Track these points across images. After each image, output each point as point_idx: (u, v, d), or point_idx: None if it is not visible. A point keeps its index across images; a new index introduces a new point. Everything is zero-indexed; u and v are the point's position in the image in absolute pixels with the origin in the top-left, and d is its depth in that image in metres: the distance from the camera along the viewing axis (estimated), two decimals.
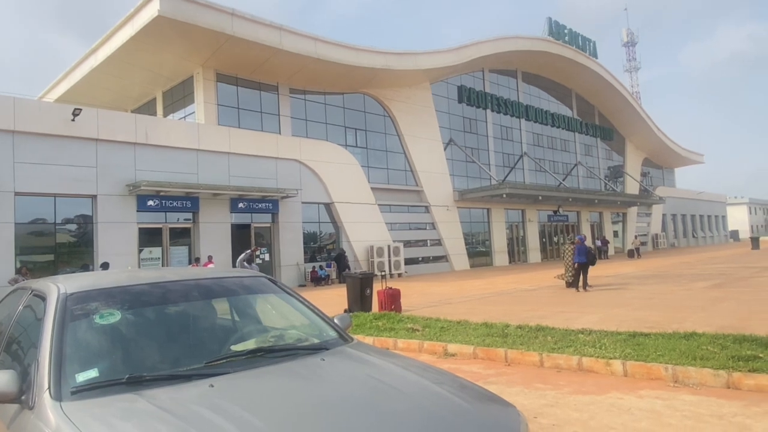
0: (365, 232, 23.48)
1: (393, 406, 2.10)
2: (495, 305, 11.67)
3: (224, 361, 2.46)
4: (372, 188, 24.34)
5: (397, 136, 26.81)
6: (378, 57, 23.80)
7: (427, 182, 27.30)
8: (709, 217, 59.64)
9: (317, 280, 20.89)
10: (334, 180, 22.39)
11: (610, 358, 5.55)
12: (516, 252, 33.36)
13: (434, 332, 7.82)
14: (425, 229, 27.52)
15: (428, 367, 2.65)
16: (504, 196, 29.02)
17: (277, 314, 3.42)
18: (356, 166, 23.78)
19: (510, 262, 31.94)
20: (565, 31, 35.37)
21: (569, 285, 14.40)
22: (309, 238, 22.55)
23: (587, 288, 13.84)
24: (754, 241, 36.72)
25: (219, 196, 18.57)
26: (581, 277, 13.89)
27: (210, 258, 17.13)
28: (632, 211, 44.48)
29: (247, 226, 19.99)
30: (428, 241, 27.62)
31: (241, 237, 19.62)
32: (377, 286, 11.20)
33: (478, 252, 30.89)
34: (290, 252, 20.90)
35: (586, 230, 39.16)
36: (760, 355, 5.22)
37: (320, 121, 23.80)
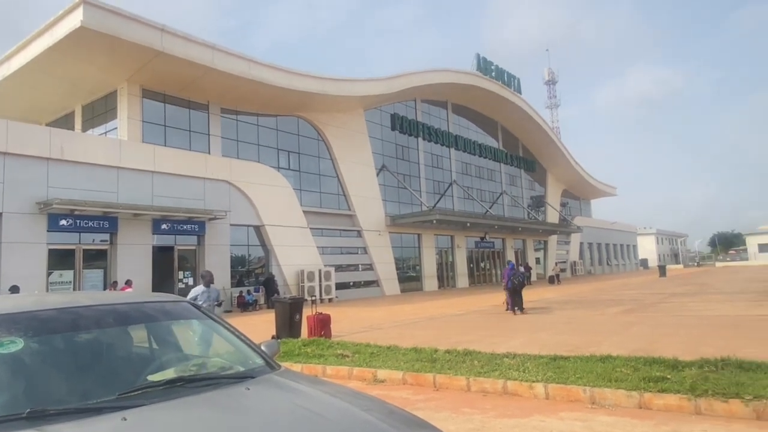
0: (296, 256, 23.10)
1: None
2: (425, 330, 11.78)
3: (140, 392, 2.29)
4: (304, 211, 24.10)
5: (330, 160, 26.84)
6: (314, 82, 23.89)
7: (360, 207, 27.43)
8: (621, 246, 63.97)
9: (244, 305, 20.19)
10: (265, 202, 21.97)
11: (533, 381, 5.74)
12: (445, 277, 34.06)
13: (364, 358, 7.75)
14: (357, 253, 27.51)
15: (357, 394, 2.61)
16: (434, 221, 29.70)
17: (200, 341, 3.26)
18: (288, 189, 23.49)
19: (439, 287, 32.53)
20: (492, 67, 37.29)
21: (509, 308, 15.11)
22: (237, 262, 21.84)
23: (522, 311, 14.65)
24: (662, 269, 39.75)
25: (140, 217, 17.63)
26: (513, 300, 14.78)
27: (128, 282, 16.09)
28: (553, 239, 46.86)
29: (170, 249, 19.06)
30: (360, 265, 27.60)
31: (163, 260, 18.67)
32: (307, 312, 11.00)
33: (409, 277, 31.24)
34: (216, 276, 19.98)
35: (510, 256, 40.70)
36: (668, 376, 5.58)
37: (252, 142, 23.39)
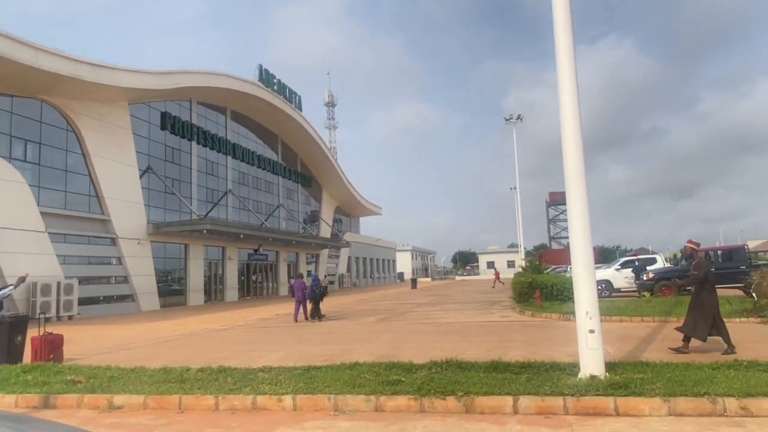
0: (27, 265, 19.17)
1: None
2: (181, 348, 10.99)
3: None
4: (42, 213, 20.37)
5: (81, 155, 23.30)
6: (66, 63, 20.50)
7: (117, 211, 24.36)
8: (384, 260, 70.33)
9: None
10: None
11: (282, 394, 5.81)
12: (213, 291, 32.47)
13: (100, 383, 6.82)
14: (110, 263, 24.35)
15: (57, 427, 2.23)
16: (204, 231, 28.16)
17: None
18: (21, 184, 19.59)
19: (206, 301, 30.83)
20: (275, 80, 37.51)
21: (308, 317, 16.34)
22: None
23: (315, 319, 16.07)
24: (413, 282, 44.95)
25: None
26: (315, 309, 16.18)
27: None
28: (324, 253, 48.95)
29: None
30: (113, 278, 24.46)
31: None
32: (34, 332, 9.23)
33: (172, 290, 28.89)
34: None
35: (283, 269, 41.11)
36: (403, 378, 6.24)
37: None
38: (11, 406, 6.33)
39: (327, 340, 11.31)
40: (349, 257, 56.07)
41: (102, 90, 22.89)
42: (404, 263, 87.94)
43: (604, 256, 69.93)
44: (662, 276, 18.82)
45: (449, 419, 5.15)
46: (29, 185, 20.08)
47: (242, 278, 35.96)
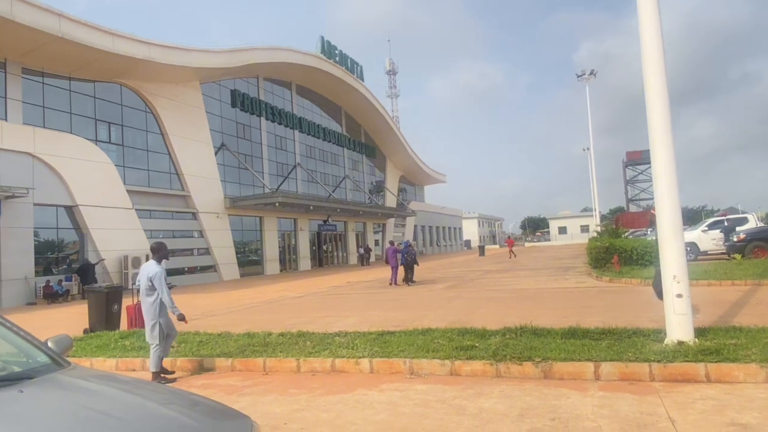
0: (118, 240, 20.87)
1: None
2: (262, 314, 11.55)
3: None
4: (129, 191, 21.85)
5: (161, 135, 24.63)
6: (140, 46, 21.54)
7: (196, 187, 25.70)
8: (450, 228, 69.87)
9: (53, 296, 17.70)
10: (78, 179, 19.41)
11: (359, 357, 5.98)
12: (288, 260, 33.78)
13: (191, 347, 7.32)
14: (192, 237, 25.85)
15: (158, 387, 2.42)
16: (277, 204, 29.15)
17: None
18: (108, 165, 21.05)
19: (281, 271, 32.16)
20: (336, 51, 37.52)
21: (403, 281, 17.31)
22: (44, 248, 19.06)
23: (413, 283, 17.18)
24: (481, 249, 44.36)
25: None
26: (407, 274, 17.33)
27: None
28: (390, 223, 49.33)
29: None
30: (195, 250, 25.99)
31: None
32: (128, 301, 10.01)
33: (250, 261, 30.32)
34: (17, 263, 17.32)
35: (351, 239, 41.94)
36: (477, 344, 6.22)
37: (63, 109, 20.37)
38: (113, 369, 6.91)
39: (398, 307, 11.47)
40: (415, 226, 56.17)
41: (174, 71, 23.92)
42: (471, 231, 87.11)
43: (688, 217, 65.54)
44: (755, 236, 17.43)
45: (527, 384, 5.08)
46: (116, 165, 21.53)
47: (314, 248, 37.09)
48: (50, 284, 17.93)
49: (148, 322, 6.13)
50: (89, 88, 21.48)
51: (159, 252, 6.40)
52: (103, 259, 19.94)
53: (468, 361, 5.61)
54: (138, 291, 6.17)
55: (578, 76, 39.57)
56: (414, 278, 17.63)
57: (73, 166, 19.25)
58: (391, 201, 50.55)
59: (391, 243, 19.29)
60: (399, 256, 17.43)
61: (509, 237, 46.29)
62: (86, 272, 18.47)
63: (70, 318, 12.17)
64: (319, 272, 30.96)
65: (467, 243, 79.51)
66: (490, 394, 4.82)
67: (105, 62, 20.62)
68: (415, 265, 17.91)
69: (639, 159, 68.14)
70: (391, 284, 17.21)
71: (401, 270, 17.48)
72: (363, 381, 5.50)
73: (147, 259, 21.43)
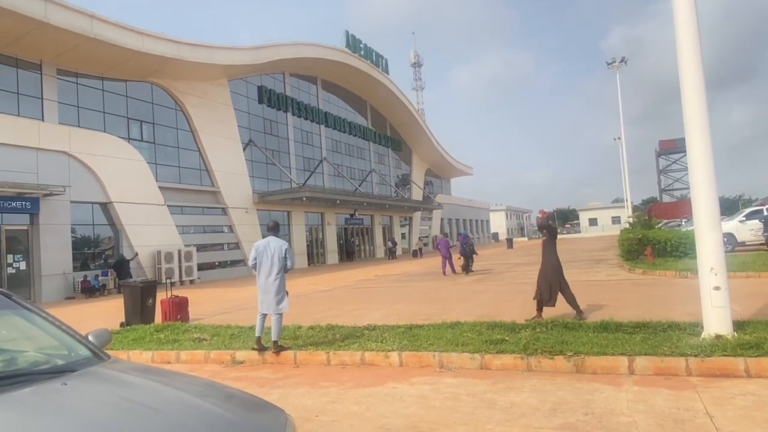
0: (151, 235, 21.40)
1: (146, 429, 1.90)
2: (291, 307, 11.47)
3: None
4: (160, 187, 22.35)
5: (190, 132, 25.08)
6: (168, 45, 21.94)
7: (225, 183, 26.13)
8: (477, 221, 69.30)
9: (90, 291, 18.30)
10: (113, 177, 19.95)
11: (389, 351, 6.00)
12: (315, 254, 34.09)
13: (223, 340, 7.48)
14: (222, 232, 26.32)
15: (194, 380, 2.48)
16: (304, 199, 29.41)
17: (13, 335, 2.85)
18: (141, 162, 21.56)
19: (309, 264, 32.48)
20: (361, 45, 37.48)
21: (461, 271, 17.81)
22: (81, 244, 19.67)
23: (467, 272, 17.54)
24: (509, 242, 43.93)
25: None
26: (466, 263, 17.75)
27: None
28: (417, 216, 49.21)
29: None
30: (226, 244, 26.47)
31: None
32: (162, 295, 10.28)
33: None
34: (55, 259, 17.94)
35: (378, 233, 42.04)
36: (507, 338, 6.17)
37: (97, 109, 20.92)
38: (148, 362, 7.10)
39: (425, 300, 11.46)
40: (442, 219, 55.89)
41: (203, 69, 24.30)
42: (498, 223, 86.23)
43: (725, 206, 63.30)
44: None
45: (559, 379, 5.02)
46: (148, 163, 22.04)
47: (341, 242, 37.32)
48: (87, 279, 18.53)
49: (282, 291, 6.61)
50: (121, 87, 22.00)
51: (276, 229, 7.17)
52: (137, 255, 20.50)
53: (498, 355, 5.57)
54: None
55: (608, 64, 38.52)
56: (472, 267, 18.05)
57: (107, 164, 19.79)
58: (417, 194, 50.41)
59: (445, 235, 20.47)
60: (457, 245, 18.19)
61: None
62: (121, 267, 18.99)
63: (107, 312, 12.55)
64: (346, 266, 31.15)
65: (495, 236, 78.79)
66: (521, 388, 4.78)
67: (136, 61, 21.06)
68: (474, 255, 18.27)
69: (673, 148, 66.21)
70: (444, 274, 17.73)
71: (460, 260, 18.01)
72: (393, 374, 5.52)
73: (179, 254, 21.57)
